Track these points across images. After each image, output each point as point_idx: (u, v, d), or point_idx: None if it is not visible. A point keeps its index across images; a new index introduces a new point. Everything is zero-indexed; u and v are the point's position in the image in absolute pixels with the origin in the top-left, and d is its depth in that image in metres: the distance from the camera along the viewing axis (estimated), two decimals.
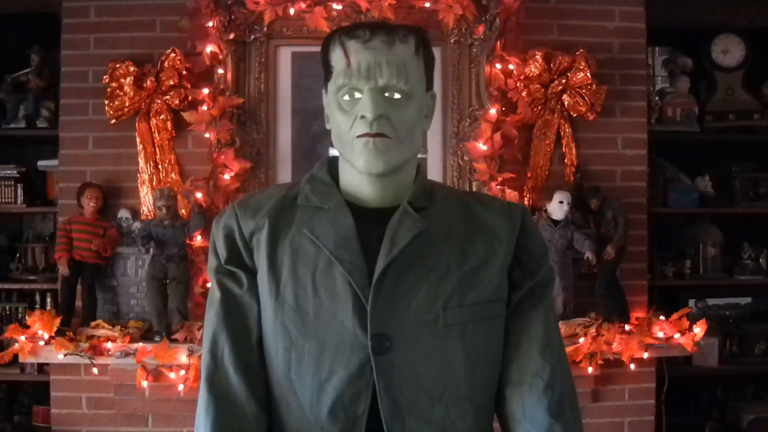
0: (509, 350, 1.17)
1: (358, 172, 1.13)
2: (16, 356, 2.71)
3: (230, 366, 1.13)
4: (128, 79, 2.88)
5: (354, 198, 1.16)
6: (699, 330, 2.78)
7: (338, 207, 1.14)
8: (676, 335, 2.77)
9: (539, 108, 3.02)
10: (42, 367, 3.05)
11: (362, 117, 1.08)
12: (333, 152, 1.20)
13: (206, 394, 1.13)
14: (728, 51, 3.48)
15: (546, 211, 2.88)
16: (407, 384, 1.08)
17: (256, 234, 1.14)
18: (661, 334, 2.79)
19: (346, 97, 1.10)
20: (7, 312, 3.24)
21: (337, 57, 1.11)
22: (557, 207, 2.85)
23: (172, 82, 2.89)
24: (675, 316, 2.83)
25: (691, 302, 3.39)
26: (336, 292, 1.09)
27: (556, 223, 2.85)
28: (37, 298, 3.24)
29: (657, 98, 3.36)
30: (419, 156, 1.22)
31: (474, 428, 1.14)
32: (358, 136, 1.09)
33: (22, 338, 2.66)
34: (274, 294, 1.12)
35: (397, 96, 1.10)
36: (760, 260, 3.45)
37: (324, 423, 1.09)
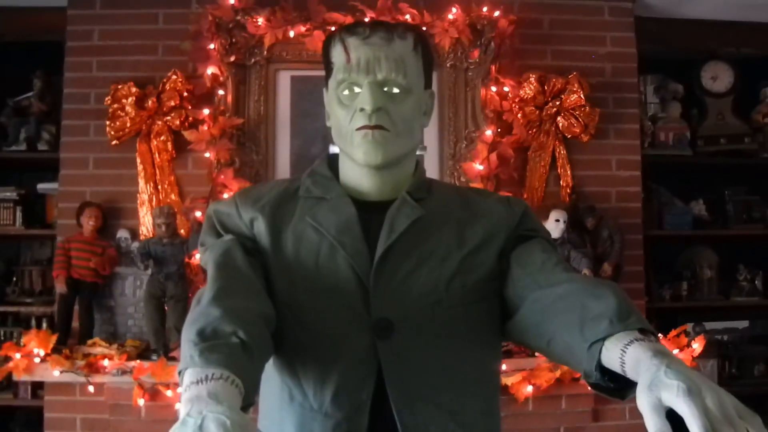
0: (514, 274, 1.12)
1: (358, 164, 1.14)
2: (9, 380, 2.67)
3: (243, 266, 1.08)
4: (130, 99, 2.92)
5: (354, 192, 1.17)
6: (697, 345, 2.78)
7: (339, 197, 1.16)
8: (675, 351, 2.77)
9: (534, 130, 3.07)
10: (36, 392, 2.99)
11: (361, 110, 1.10)
12: (333, 150, 1.22)
13: (215, 274, 1.06)
14: (717, 77, 3.54)
15: None
16: (414, 368, 1.07)
17: (256, 222, 1.15)
18: None
19: (346, 92, 1.12)
20: (2, 336, 3.21)
21: (337, 53, 1.13)
22: (554, 225, 2.87)
23: (173, 103, 2.93)
24: (673, 332, 2.83)
25: (689, 327, 3.38)
26: (339, 276, 1.09)
27: None
28: (33, 322, 3.22)
29: (650, 123, 3.41)
30: (418, 153, 1.24)
31: (483, 408, 1.14)
32: (358, 129, 1.11)
33: (17, 356, 2.63)
34: (277, 280, 1.12)
35: (395, 90, 1.12)
36: (756, 282, 3.47)
37: (328, 409, 1.07)
